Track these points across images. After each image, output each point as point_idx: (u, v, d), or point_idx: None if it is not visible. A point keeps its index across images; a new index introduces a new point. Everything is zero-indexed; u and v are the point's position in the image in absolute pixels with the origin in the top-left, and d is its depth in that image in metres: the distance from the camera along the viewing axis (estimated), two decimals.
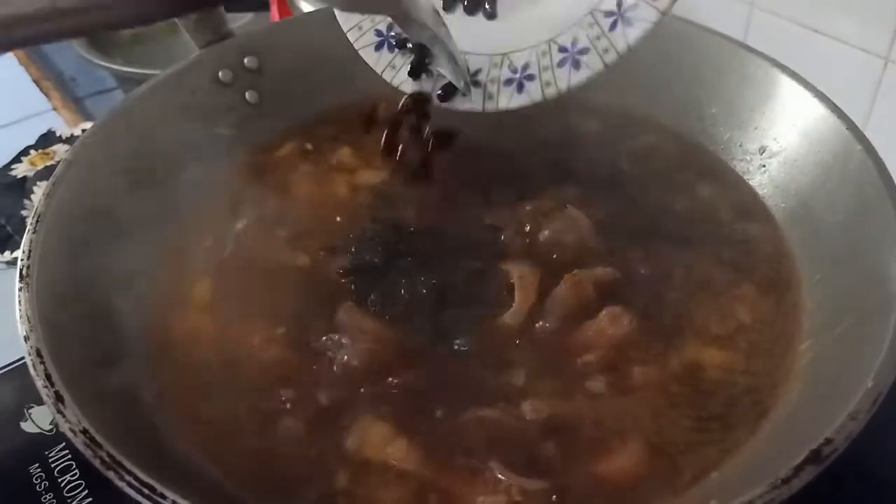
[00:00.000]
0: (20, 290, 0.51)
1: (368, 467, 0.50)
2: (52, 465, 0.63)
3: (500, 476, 0.49)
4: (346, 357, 0.55)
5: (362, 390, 0.54)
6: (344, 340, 0.56)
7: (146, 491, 0.41)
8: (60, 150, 1.02)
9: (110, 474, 0.42)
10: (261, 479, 0.49)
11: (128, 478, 0.41)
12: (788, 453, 0.42)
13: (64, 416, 0.44)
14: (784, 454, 0.42)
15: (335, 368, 0.55)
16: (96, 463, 0.42)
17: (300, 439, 0.52)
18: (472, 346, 0.56)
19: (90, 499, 0.61)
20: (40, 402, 0.65)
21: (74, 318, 0.53)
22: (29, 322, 0.49)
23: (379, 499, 0.49)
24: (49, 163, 0.99)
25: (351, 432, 0.51)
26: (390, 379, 0.54)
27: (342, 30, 0.71)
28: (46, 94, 1.17)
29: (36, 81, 1.20)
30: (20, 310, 0.50)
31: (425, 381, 0.55)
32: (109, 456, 0.42)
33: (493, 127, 0.69)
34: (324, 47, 0.74)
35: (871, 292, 0.51)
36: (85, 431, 0.43)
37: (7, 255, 0.88)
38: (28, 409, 0.67)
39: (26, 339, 0.48)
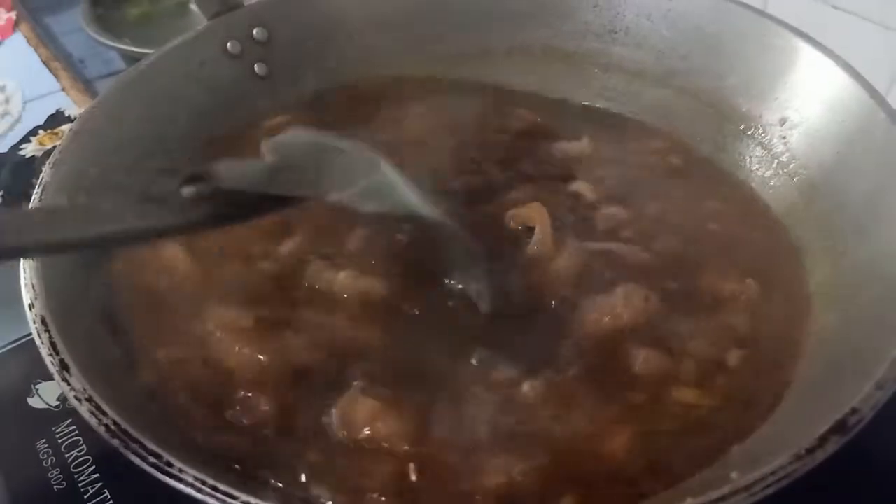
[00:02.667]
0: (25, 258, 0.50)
1: (353, 443, 0.49)
2: (60, 441, 0.63)
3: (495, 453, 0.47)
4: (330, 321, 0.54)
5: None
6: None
7: (152, 459, 0.40)
8: (69, 129, 1.01)
9: (115, 442, 0.41)
10: (251, 454, 0.48)
11: (133, 446, 0.40)
12: (812, 425, 0.40)
13: (69, 384, 0.44)
14: (807, 427, 0.41)
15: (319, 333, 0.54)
16: (101, 431, 0.41)
17: (279, 414, 0.50)
18: (476, 318, 0.55)
19: (97, 474, 0.60)
20: (47, 378, 0.65)
21: (78, 288, 0.52)
22: (34, 290, 0.48)
23: (366, 475, 0.47)
24: (58, 142, 0.98)
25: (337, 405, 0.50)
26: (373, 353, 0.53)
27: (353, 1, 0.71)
28: (55, 75, 1.16)
29: (45, 63, 1.19)
30: (25, 278, 0.49)
31: (412, 355, 0.53)
32: (115, 424, 0.41)
33: None
34: (334, 19, 0.73)
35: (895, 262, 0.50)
36: (90, 399, 0.43)
37: None
38: (35, 384, 0.67)
39: (31, 307, 0.48)
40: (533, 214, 0.59)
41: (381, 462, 0.48)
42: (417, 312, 0.55)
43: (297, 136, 0.54)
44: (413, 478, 0.47)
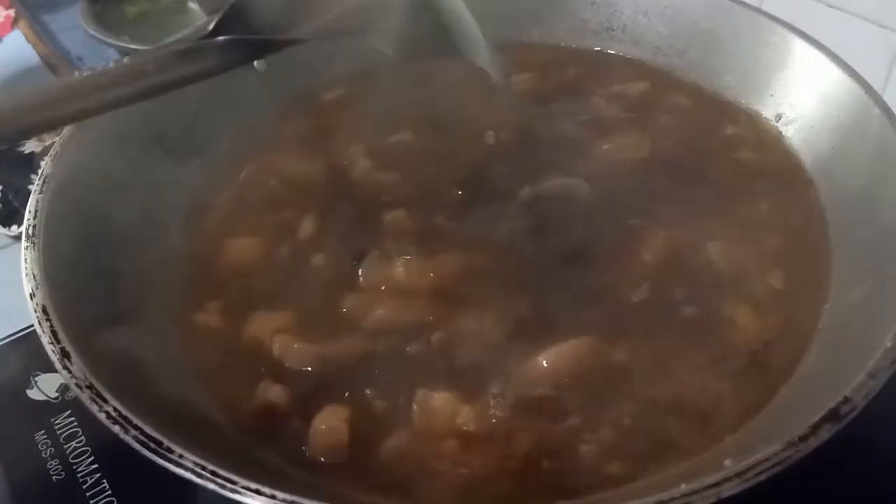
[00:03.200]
0: (26, 248, 0.51)
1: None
2: (58, 433, 0.63)
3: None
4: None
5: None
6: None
7: (153, 445, 0.40)
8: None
9: (116, 428, 0.41)
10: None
11: (134, 432, 0.41)
12: (805, 413, 0.41)
13: (70, 372, 0.44)
14: (801, 415, 0.41)
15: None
16: (102, 417, 0.42)
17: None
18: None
19: (96, 465, 0.60)
20: (46, 370, 0.66)
21: (79, 278, 0.52)
22: (35, 280, 0.49)
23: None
24: (57, 138, 0.98)
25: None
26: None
27: None
28: (54, 73, 1.16)
29: (44, 60, 1.19)
30: (26, 268, 0.49)
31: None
32: (116, 410, 0.42)
33: None
34: None
35: (889, 255, 0.51)
36: (91, 386, 0.43)
37: (14, 230, 0.87)
38: (34, 376, 0.67)
39: (32, 296, 0.48)
40: None
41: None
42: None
43: None
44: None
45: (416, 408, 0.50)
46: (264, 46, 0.54)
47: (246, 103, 0.72)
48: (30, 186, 0.90)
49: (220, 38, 0.51)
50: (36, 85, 0.55)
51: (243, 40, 0.52)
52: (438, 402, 0.50)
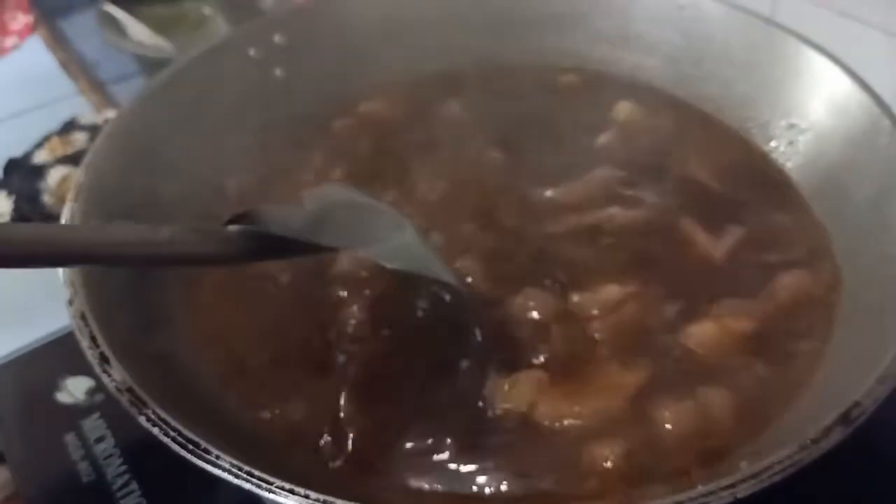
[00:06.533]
0: None
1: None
2: (88, 435, 0.64)
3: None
4: None
5: None
6: None
7: (191, 447, 0.42)
8: (80, 138, 1.01)
9: (155, 430, 0.43)
10: None
11: (173, 434, 0.42)
12: (817, 419, 0.42)
13: (109, 376, 0.45)
14: (813, 420, 0.43)
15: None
16: (142, 420, 0.43)
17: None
18: None
19: (125, 466, 0.61)
20: (75, 373, 0.67)
21: (114, 284, 0.53)
22: (73, 287, 0.50)
23: None
24: (69, 151, 0.98)
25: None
26: None
27: (371, 8, 0.72)
28: (73, 78, 1.17)
29: (63, 65, 1.21)
30: (64, 275, 0.51)
31: None
32: (155, 413, 0.43)
33: None
34: (353, 24, 0.75)
35: None
36: (130, 390, 0.44)
37: None
38: (63, 379, 0.68)
39: (71, 302, 0.49)
40: None
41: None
42: None
43: (334, 192, 0.59)
44: None
45: None
46: (289, 245, 0.51)
47: (269, 113, 0.73)
48: (40, 197, 0.92)
49: (236, 227, 0.49)
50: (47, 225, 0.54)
51: (261, 234, 0.49)
52: None
